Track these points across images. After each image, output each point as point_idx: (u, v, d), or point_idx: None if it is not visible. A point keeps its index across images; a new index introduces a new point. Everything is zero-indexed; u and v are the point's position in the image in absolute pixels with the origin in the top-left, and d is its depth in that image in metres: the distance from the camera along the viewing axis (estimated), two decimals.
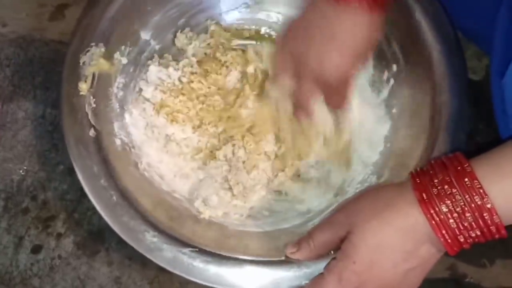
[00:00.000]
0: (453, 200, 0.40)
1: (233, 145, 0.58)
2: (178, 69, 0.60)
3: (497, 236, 0.41)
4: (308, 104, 0.53)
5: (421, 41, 0.56)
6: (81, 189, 0.52)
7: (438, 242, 0.41)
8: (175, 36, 0.62)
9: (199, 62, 0.61)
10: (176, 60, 0.61)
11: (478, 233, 0.40)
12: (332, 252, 0.46)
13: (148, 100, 0.59)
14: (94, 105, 0.54)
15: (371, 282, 0.43)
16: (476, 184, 0.40)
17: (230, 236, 0.53)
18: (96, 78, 0.55)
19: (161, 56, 0.61)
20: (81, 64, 0.55)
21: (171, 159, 0.58)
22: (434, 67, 0.55)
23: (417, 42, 0.56)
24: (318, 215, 0.55)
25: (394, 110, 0.58)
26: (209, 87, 0.60)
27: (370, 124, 0.59)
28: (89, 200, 0.51)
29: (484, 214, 0.40)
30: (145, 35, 0.60)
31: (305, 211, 0.56)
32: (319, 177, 0.58)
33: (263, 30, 0.64)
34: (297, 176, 0.58)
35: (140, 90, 0.60)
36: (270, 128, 0.58)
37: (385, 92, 0.59)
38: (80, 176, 0.51)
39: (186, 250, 0.49)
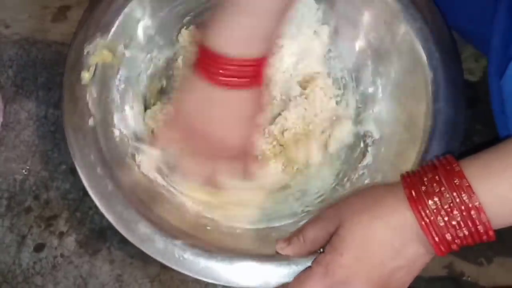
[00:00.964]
0: (441, 197, 0.40)
1: None
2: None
3: (485, 237, 0.40)
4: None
5: (417, 48, 0.56)
6: (83, 188, 0.52)
7: (426, 242, 0.41)
8: (179, 33, 0.62)
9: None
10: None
11: (466, 232, 0.40)
12: (322, 250, 0.46)
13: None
14: (95, 95, 0.54)
15: (358, 277, 0.42)
16: (464, 182, 0.40)
17: (221, 232, 0.54)
18: (99, 68, 0.55)
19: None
20: (85, 53, 0.55)
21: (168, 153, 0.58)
22: (430, 75, 0.55)
23: (412, 49, 0.56)
24: (309, 215, 0.55)
25: (390, 115, 0.59)
26: None
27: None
28: (91, 199, 0.51)
29: (472, 213, 0.40)
30: (149, 30, 0.60)
31: (298, 212, 0.57)
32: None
33: None
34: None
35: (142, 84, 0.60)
36: None
37: (381, 98, 0.60)
38: (76, 164, 0.52)
39: (178, 242, 0.49)
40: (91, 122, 0.53)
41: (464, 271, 0.58)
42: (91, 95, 0.54)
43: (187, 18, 0.62)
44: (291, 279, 0.48)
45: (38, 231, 0.58)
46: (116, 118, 0.56)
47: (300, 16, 0.61)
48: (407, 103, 0.57)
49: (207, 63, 0.47)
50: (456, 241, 0.41)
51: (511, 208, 0.40)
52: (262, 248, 0.51)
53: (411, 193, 0.41)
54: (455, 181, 0.40)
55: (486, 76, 0.65)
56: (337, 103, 0.61)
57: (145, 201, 0.52)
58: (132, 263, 0.57)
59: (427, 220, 0.40)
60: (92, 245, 0.58)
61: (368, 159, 0.58)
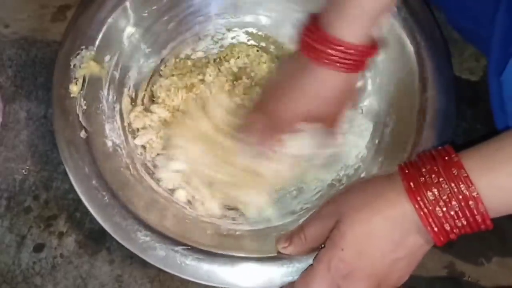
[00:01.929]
0: (440, 188, 0.40)
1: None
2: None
3: (483, 226, 0.41)
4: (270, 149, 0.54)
5: (403, 38, 0.57)
6: None
7: (425, 232, 0.41)
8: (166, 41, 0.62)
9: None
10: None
11: (464, 222, 0.40)
12: (323, 245, 0.46)
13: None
14: (85, 107, 0.55)
15: (360, 271, 0.43)
16: (462, 173, 0.40)
17: (221, 234, 0.54)
18: (87, 80, 0.56)
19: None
20: (72, 66, 0.55)
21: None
22: (420, 63, 0.55)
23: (399, 40, 0.57)
24: (307, 212, 0.55)
25: (381, 106, 0.59)
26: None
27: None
28: None
29: (470, 203, 0.40)
30: (135, 39, 0.60)
31: (297, 209, 0.57)
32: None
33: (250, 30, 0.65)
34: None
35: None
36: None
37: (371, 91, 0.60)
38: (71, 177, 0.52)
39: (179, 248, 0.49)
40: (83, 134, 0.54)
41: (464, 271, 0.58)
42: (81, 108, 0.55)
43: (171, 25, 0.62)
44: (295, 277, 0.48)
45: (37, 231, 0.58)
46: (107, 129, 0.56)
47: None
48: (397, 94, 0.58)
49: (315, 40, 0.49)
50: (454, 230, 0.41)
51: (508, 198, 0.41)
52: (263, 248, 0.51)
53: (410, 185, 0.42)
54: (454, 172, 0.41)
55: (487, 75, 0.65)
56: None
57: (143, 210, 0.52)
58: (131, 264, 0.57)
59: (426, 211, 0.41)
60: (91, 246, 0.58)
61: (363, 152, 0.58)
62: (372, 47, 0.50)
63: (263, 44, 0.65)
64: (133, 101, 0.61)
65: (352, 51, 0.49)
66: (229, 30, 0.65)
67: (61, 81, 0.55)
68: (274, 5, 0.64)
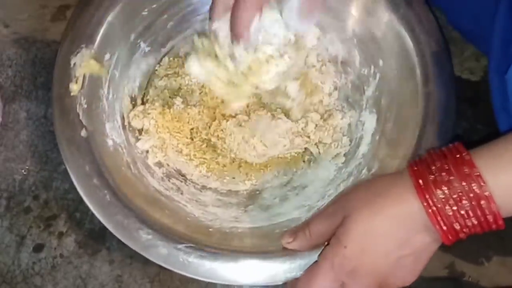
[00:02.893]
0: (450, 187, 0.40)
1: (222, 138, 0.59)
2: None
3: (494, 226, 0.40)
4: None
5: (402, 34, 0.57)
6: None
7: (433, 231, 0.41)
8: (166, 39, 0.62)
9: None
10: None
11: (475, 222, 0.40)
12: (327, 243, 0.46)
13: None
14: (85, 106, 0.55)
15: (363, 268, 0.43)
16: (475, 171, 0.39)
17: (224, 232, 0.54)
18: (87, 79, 0.55)
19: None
20: (71, 65, 0.55)
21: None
22: (417, 59, 0.55)
23: (398, 34, 0.57)
24: (310, 208, 0.55)
25: (382, 102, 0.59)
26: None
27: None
28: None
29: (482, 202, 0.39)
30: (134, 38, 0.60)
31: (304, 204, 0.57)
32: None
33: None
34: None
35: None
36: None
37: (372, 87, 0.60)
38: (72, 176, 0.52)
39: (181, 246, 0.49)
40: (83, 133, 0.53)
41: (464, 271, 0.58)
42: (81, 106, 0.54)
43: (171, 23, 0.62)
44: (298, 273, 0.48)
45: (37, 231, 0.58)
46: (108, 128, 0.56)
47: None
48: (398, 89, 0.58)
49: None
50: (464, 230, 0.40)
51: None
52: (267, 245, 0.51)
53: (419, 182, 0.41)
54: (465, 170, 0.40)
55: (487, 75, 0.65)
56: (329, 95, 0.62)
57: (144, 208, 0.52)
58: (131, 264, 0.57)
59: (435, 209, 0.40)
60: (91, 246, 0.58)
61: (364, 148, 0.58)
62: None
63: None
64: (133, 100, 0.61)
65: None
66: None
67: (61, 79, 0.55)
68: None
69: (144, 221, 0.50)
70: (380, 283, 0.43)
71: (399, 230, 0.42)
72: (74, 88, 0.54)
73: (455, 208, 0.40)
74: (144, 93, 0.62)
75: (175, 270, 0.49)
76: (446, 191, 0.40)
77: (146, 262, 0.56)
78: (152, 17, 0.60)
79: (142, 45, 0.61)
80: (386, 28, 0.58)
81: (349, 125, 0.61)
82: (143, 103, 0.61)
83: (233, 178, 0.60)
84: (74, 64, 0.55)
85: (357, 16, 0.60)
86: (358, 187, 0.46)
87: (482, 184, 0.39)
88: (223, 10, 0.47)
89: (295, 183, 0.60)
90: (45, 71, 0.64)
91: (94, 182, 0.51)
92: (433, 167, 0.41)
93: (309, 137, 0.60)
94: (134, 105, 0.60)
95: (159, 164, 0.59)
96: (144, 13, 0.59)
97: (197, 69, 0.52)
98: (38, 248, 0.58)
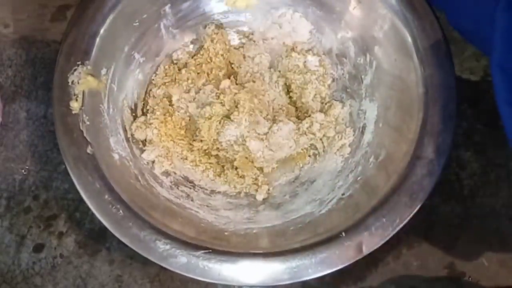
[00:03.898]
0: None
1: (232, 145, 0.59)
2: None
3: None
4: None
5: (400, 25, 0.57)
6: None
7: None
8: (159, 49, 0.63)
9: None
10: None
11: None
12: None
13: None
14: (88, 123, 0.54)
15: None
16: None
17: (239, 235, 0.54)
18: (86, 95, 0.55)
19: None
20: (70, 83, 0.54)
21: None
22: (416, 43, 0.55)
23: (396, 23, 0.57)
24: (323, 202, 0.56)
25: (381, 90, 0.59)
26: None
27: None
28: None
29: None
30: (128, 50, 0.60)
31: (314, 198, 0.57)
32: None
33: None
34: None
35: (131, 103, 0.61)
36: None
37: (369, 75, 0.60)
38: (83, 195, 0.51)
39: (199, 253, 0.49)
40: (89, 150, 0.53)
41: (465, 271, 0.58)
42: (84, 124, 0.54)
43: (162, 31, 0.62)
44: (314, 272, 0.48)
45: (37, 231, 0.58)
46: (112, 142, 0.56)
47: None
48: (397, 77, 0.57)
49: None
50: None
51: None
52: (283, 243, 0.51)
53: None
54: None
55: (487, 75, 0.65)
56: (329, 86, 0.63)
57: (158, 218, 0.52)
58: (131, 264, 0.57)
59: None
60: (91, 246, 0.58)
61: (368, 136, 0.58)
62: None
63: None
64: (134, 111, 0.61)
65: None
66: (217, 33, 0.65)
67: (60, 99, 0.54)
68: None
69: (160, 232, 0.50)
70: None
71: None
72: (75, 106, 0.54)
73: None
74: (144, 104, 0.62)
75: (195, 277, 0.49)
76: None
77: (146, 262, 0.56)
78: (143, 28, 0.60)
79: (137, 56, 0.60)
80: (382, 21, 0.58)
81: (351, 114, 0.61)
82: (143, 113, 0.61)
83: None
84: (72, 82, 0.55)
85: (351, 10, 0.60)
86: None
87: None
88: None
89: (303, 178, 0.60)
90: (45, 71, 0.64)
91: (105, 198, 0.51)
92: None
93: (314, 134, 0.60)
94: (135, 117, 0.60)
95: (166, 173, 0.59)
96: (135, 24, 0.59)
97: None
98: (38, 248, 0.58)
